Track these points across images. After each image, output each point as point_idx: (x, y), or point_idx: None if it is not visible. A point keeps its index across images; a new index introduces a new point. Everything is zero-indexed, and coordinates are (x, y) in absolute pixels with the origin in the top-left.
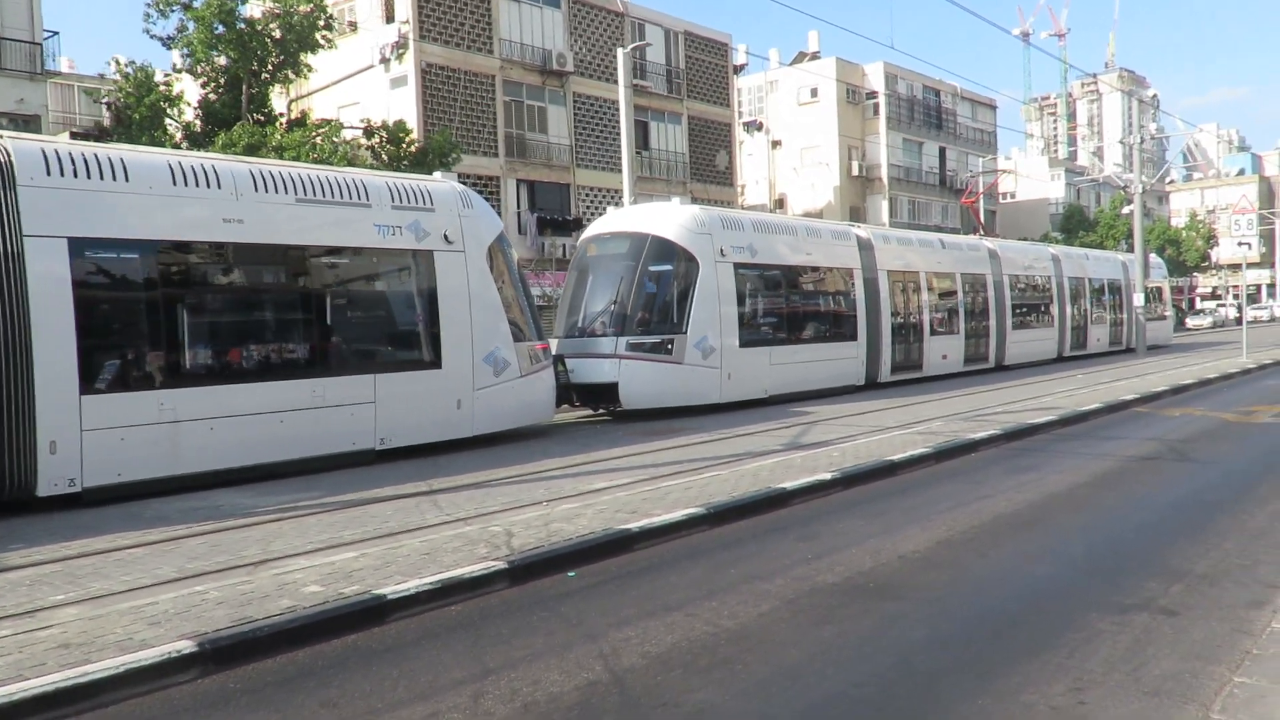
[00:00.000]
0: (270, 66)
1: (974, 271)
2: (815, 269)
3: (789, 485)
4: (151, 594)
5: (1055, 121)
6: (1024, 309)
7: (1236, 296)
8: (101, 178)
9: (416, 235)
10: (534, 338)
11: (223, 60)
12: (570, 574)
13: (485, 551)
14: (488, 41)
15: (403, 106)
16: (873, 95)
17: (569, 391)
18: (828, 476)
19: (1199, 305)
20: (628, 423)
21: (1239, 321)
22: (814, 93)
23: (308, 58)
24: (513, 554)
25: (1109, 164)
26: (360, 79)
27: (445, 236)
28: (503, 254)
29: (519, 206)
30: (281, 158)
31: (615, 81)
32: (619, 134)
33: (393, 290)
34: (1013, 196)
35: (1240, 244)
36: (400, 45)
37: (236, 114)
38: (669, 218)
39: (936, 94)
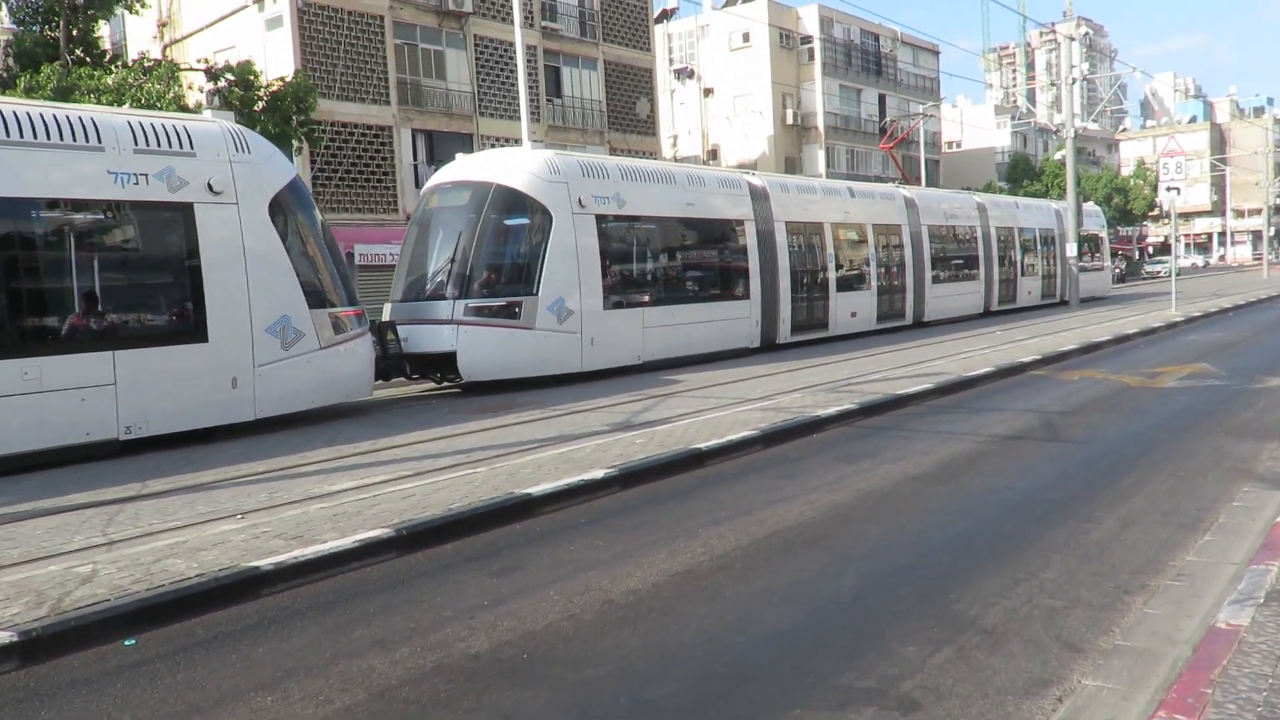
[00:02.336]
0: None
1: (888, 222)
2: (699, 221)
3: (536, 491)
4: None
5: (1014, 72)
6: (946, 261)
7: (1190, 246)
8: None
9: (169, 185)
10: (343, 303)
11: None
12: (128, 642)
13: (16, 612)
14: None
15: (279, 50)
16: (807, 40)
17: (402, 362)
18: (600, 475)
19: (1150, 256)
20: (469, 397)
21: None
22: (746, 38)
23: None
24: (43, 618)
25: (1066, 113)
26: (238, 21)
27: (209, 186)
28: (297, 206)
29: (415, 159)
30: (99, 103)
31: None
32: (528, 80)
33: (137, 251)
34: (958, 146)
35: (1169, 189)
36: None
37: (55, 54)
38: (517, 165)
39: (875, 39)
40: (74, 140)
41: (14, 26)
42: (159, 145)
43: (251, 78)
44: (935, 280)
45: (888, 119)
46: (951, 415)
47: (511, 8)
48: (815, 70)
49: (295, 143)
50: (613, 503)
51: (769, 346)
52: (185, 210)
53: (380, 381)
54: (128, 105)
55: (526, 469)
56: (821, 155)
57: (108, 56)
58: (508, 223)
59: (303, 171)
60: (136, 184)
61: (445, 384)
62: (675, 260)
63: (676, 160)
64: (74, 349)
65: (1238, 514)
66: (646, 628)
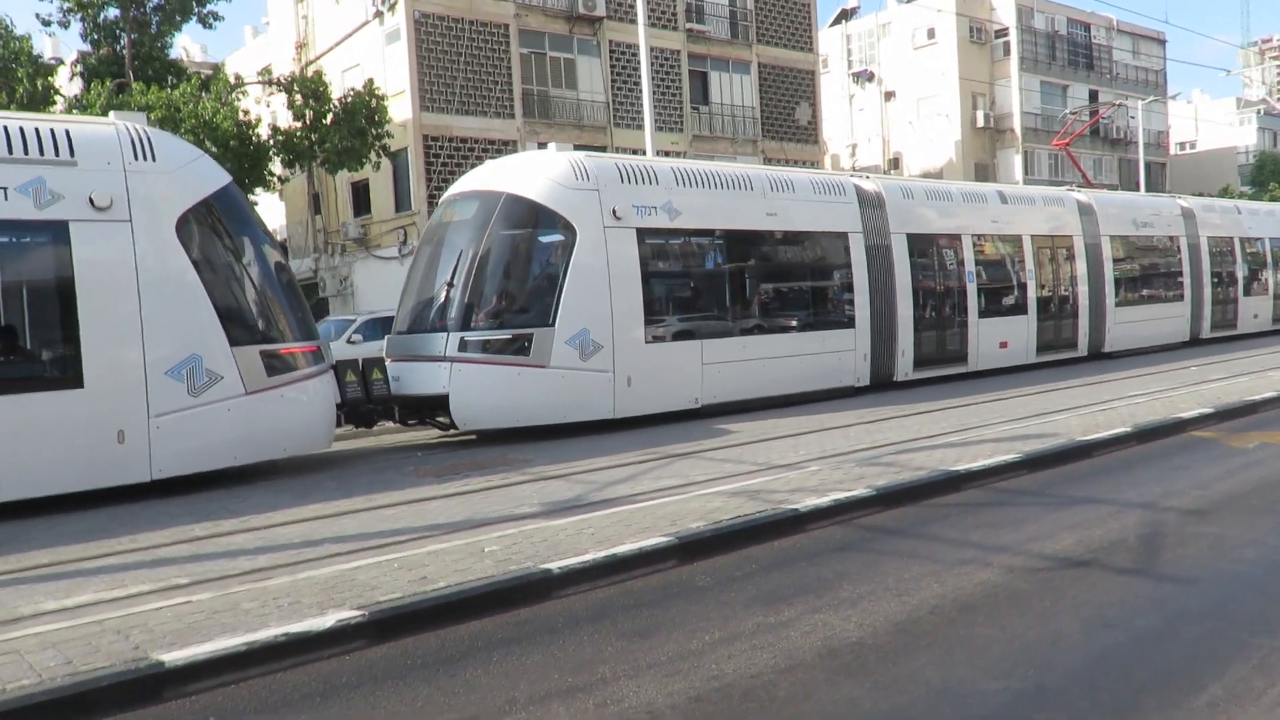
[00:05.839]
0: (160, 12)
1: (1053, 232)
2: (783, 234)
3: (178, 659)
4: None
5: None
6: (1136, 279)
7: None
8: None
9: (36, 199)
10: (289, 338)
11: (114, 12)
12: None
13: None
14: None
15: (397, 64)
16: (1002, 33)
17: (390, 406)
18: (329, 625)
19: None
20: (476, 447)
21: None
22: (931, 34)
23: (216, 4)
24: None
25: None
26: (363, 37)
27: (92, 200)
28: (224, 223)
29: None
30: (147, 120)
31: (659, 25)
32: (670, 86)
33: None
34: (1192, 146)
35: None
36: None
37: (120, 71)
38: (534, 170)
39: (1086, 28)
40: None
41: (87, 47)
42: (25, 152)
43: (319, 89)
44: (1120, 303)
45: (1104, 118)
46: (1011, 511)
47: (651, 9)
48: (1011, 66)
49: (374, 155)
50: (304, 680)
51: (884, 384)
52: (57, 230)
53: (363, 428)
54: (179, 122)
55: (264, 597)
56: (1018, 160)
57: (187, 73)
58: (518, 239)
59: (416, 189)
60: None
61: (452, 431)
62: (748, 282)
63: (855, 171)
64: None
65: None
66: None
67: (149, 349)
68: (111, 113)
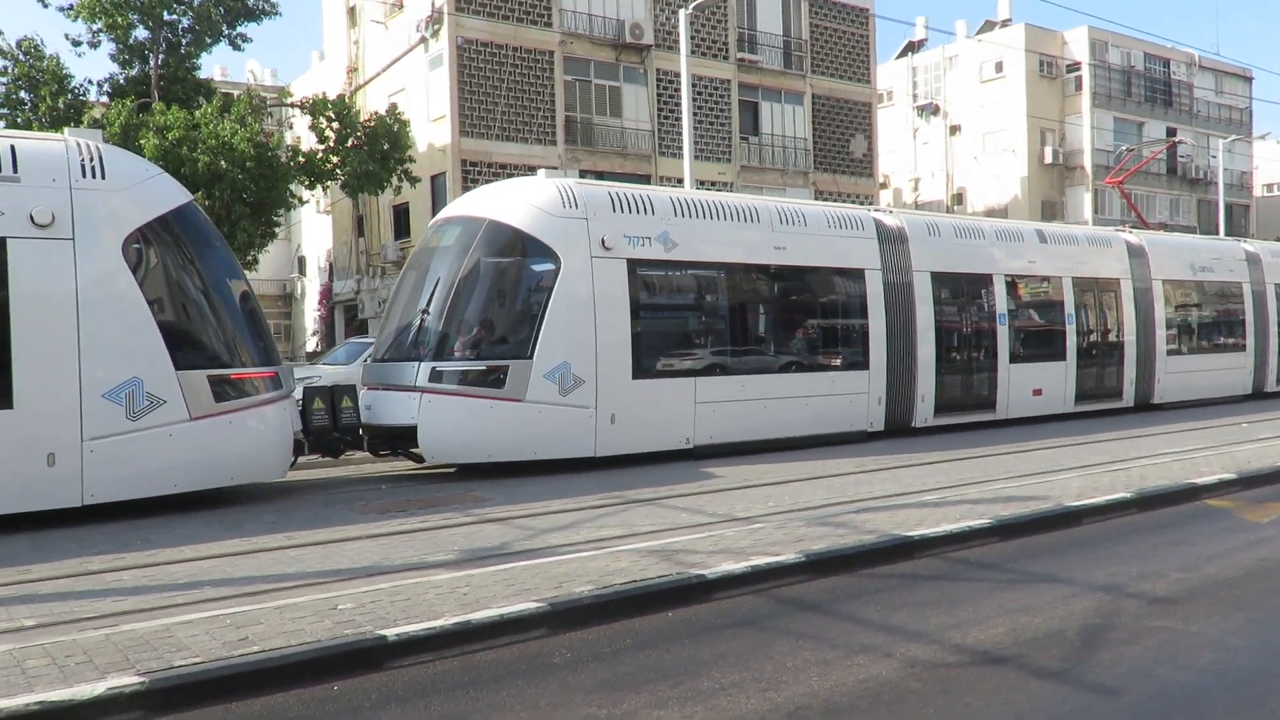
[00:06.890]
0: (189, 34)
1: (1097, 275)
2: (791, 269)
3: None
4: None
5: None
6: (1191, 327)
7: None
8: None
9: None
10: (247, 362)
11: (143, 33)
12: None
13: None
14: (545, 12)
15: (439, 90)
16: (1074, 67)
17: (359, 435)
18: (97, 692)
19: None
20: (435, 483)
21: None
22: (999, 67)
23: (246, 26)
24: None
25: None
26: (409, 63)
27: (32, 217)
28: (179, 242)
29: None
30: (164, 140)
31: (709, 55)
32: (719, 116)
33: None
34: (1279, 188)
35: None
36: (436, 20)
37: (146, 91)
38: (519, 197)
39: (1165, 64)
40: None
41: (116, 70)
42: None
43: (344, 111)
44: (1173, 351)
45: (1182, 157)
46: (954, 587)
47: (702, 39)
48: (1083, 101)
49: (395, 180)
50: None
51: (902, 430)
52: None
53: (330, 458)
54: (193, 143)
55: (60, 654)
56: (1088, 199)
57: (217, 93)
58: (499, 267)
59: None
60: None
61: (426, 464)
62: (750, 318)
63: (916, 207)
64: None
65: None
66: None
67: (85, 370)
68: (65, 129)
